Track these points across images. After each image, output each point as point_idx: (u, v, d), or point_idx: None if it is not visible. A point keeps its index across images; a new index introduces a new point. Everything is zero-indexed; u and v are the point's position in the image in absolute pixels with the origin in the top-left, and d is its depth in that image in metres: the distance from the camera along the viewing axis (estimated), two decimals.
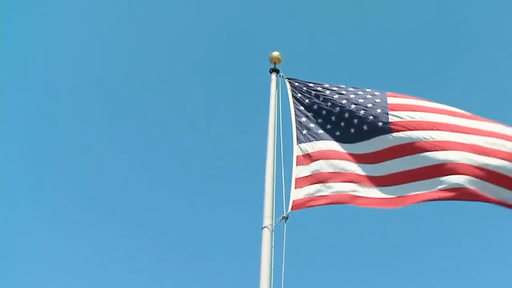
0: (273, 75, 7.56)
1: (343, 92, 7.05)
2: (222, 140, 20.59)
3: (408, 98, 6.83)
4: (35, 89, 20.10)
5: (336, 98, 6.97)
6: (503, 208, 5.86)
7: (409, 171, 6.20)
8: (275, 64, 7.70)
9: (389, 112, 6.58)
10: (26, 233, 18.34)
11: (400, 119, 6.48)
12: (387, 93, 6.91)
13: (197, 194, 20.27)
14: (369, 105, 6.76)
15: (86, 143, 20.17)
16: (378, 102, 6.78)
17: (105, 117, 20.50)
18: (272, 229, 5.80)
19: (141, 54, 21.16)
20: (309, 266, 16.59)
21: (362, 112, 6.70)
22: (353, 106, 6.81)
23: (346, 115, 6.78)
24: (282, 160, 6.56)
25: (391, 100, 6.76)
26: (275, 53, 7.76)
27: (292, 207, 6.06)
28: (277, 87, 7.41)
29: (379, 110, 6.65)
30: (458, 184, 5.90)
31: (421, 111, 6.53)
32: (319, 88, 7.24)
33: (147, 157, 20.44)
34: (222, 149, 20.61)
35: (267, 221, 5.83)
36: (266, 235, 5.74)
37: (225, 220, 19.13)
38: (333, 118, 6.86)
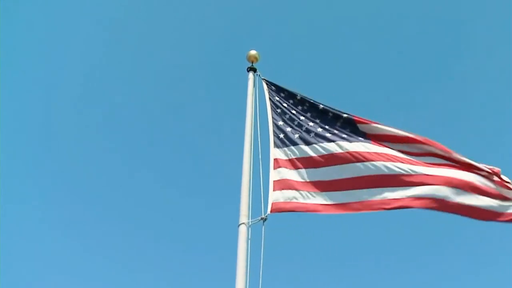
0: (250, 74, 7.59)
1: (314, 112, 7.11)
2: (199, 136, 20.63)
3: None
4: (35, 89, 20.01)
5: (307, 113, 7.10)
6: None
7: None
8: (252, 63, 7.73)
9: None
10: (26, 233, 18.25)
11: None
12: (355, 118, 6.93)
13: (175, 189, 20.30)
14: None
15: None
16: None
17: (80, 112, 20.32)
18: (248, 227, 5.88)
19: (118, 53, 21.08)
20: (287, 266, 16.66)
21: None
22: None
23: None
24: (260, 159, 6.60)
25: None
26: (253, 52, 7.77)
27: (271, 210, 6.12)
28: (254, 85, 7.47)
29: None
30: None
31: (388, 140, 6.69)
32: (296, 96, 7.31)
33: (129, 153, 20.42)
34: (200, 147, 20.65)
35: (243, 219, 5.92)
36: (242, 233, 5.82)
37: (201, 218, 19.16)
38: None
